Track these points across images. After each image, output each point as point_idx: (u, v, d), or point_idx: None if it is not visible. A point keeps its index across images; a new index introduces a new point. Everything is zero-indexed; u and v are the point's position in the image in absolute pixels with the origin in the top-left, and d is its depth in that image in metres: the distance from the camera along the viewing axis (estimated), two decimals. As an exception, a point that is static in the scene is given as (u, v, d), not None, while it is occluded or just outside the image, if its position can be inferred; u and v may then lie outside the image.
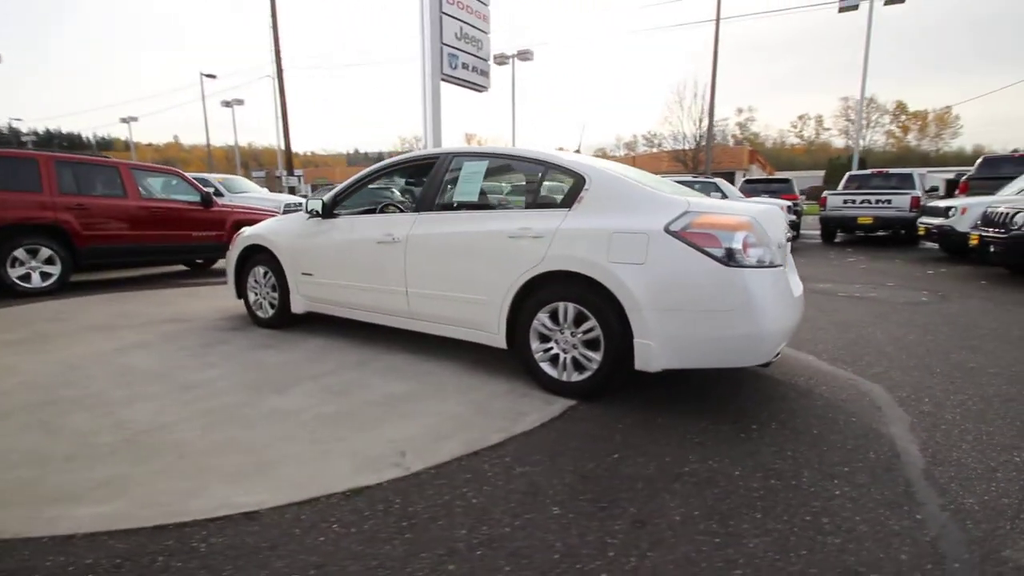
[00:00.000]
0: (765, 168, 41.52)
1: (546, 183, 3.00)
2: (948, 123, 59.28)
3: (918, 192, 10.21)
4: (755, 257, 2.36)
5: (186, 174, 7.15)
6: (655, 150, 37.41)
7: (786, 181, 13.16)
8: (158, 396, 2.67)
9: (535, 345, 2.77)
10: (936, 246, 8.83)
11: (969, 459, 2.09)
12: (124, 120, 38.50)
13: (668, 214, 2.46)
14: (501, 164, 3.31)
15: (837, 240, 11.46)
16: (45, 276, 5.41)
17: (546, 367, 2.75)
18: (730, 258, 2.32)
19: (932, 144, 60.49)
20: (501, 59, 24.76)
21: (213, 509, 1.69)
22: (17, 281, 5.22)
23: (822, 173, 42.24)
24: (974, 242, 6.55)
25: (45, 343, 3.63)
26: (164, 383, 2.86)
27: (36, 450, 2.09)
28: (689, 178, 10.72)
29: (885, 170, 11.91)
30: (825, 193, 11.14)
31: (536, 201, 3.01)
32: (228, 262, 4.34)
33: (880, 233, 10.92)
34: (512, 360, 3.05)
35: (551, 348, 2.73)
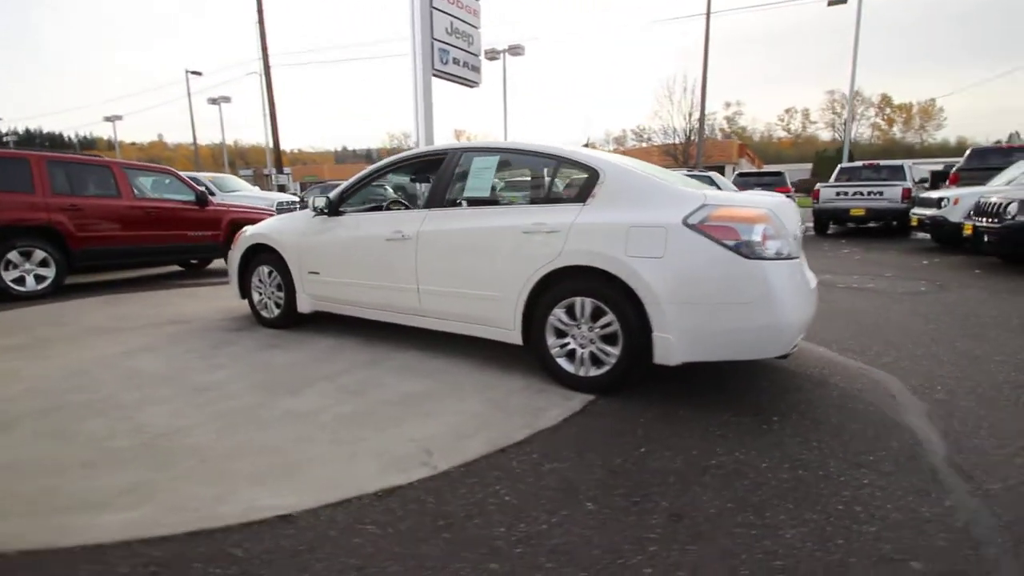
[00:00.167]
0: (754, 162, 41.82)
1: (559, 177, 2.99)
2: (932, 115, 60.24)
3: (909, 184, 10.34)
4: (774, 249, 2.37)
5: (180, 173, 7.03)
6: (645, 144, 37.50)
7: (779, 174, 13.25)
8: (170, 399, 2.63)
9: (551, 340, 2.76)
10: (928, 236, 8.95)
11: (988, 445, 2.12)
12: (108, 119, 37.78)
13: (685, 207, 2.45)
14: (512, 159, 3.28)
15: (830, 232, 11.59)
16: (39, 279, 5.30)
17: (563, 362, 2.74)
18: (750, 250, 2.33)
19: (917, 136, 61.39)
20: (492, 54, 24.64)
21: (244, 513, 1.66)
22: (11, 284, 5.11)
23: (809, 166, 42.67)
24: (968, 232, 6.65)
25: (47, 348, 3.55)
26: (174, 386, 2.81)
27: (52, 458, 2.04)
28: (683, 172, 10.74)
29: (876, 162, 12.03)
30: (818, 185, 11.24)
31: (549, 196, 2.99)
32: (231, 262, 4.27)
33: (872, 224, 11.05)
34: (524, 356, 3.04)
35: (568, 343, 2.72)
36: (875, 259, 7.66)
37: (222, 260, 7.10)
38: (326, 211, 3.64)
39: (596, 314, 2.61)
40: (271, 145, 21.86)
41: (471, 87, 8.78)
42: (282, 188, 20.32)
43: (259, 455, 2.07)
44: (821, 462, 2.00)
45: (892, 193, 10.17)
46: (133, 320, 4.33)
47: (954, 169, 10.75)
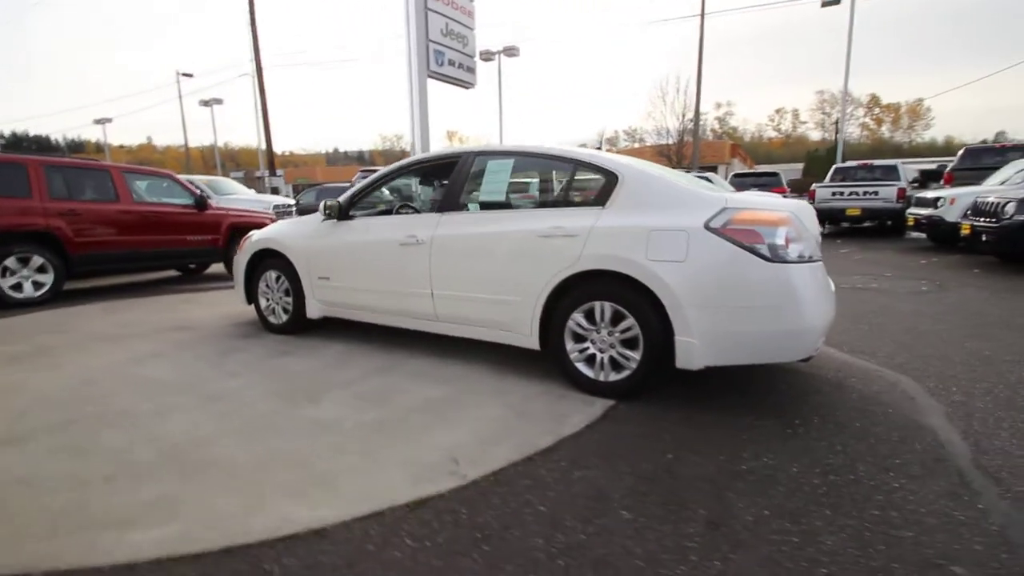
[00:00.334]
0: (746, 162, 42.10)
1: (576, 181, 2.97)
2: (920, 115, 60.94)
3: (903, 183, 10.46)
4: (796, 252, 2.37)
5: (179, 176, 6.94)
6: (637, 145, 37.66)
7: (775, 175, 13.36)
8: (186, 408, 2.58)
9: (570, 345, 2.75)
10: (923, 236, 9.05)
11: (1011, 446, 2.13)
12: (98, 121, 37.24)
13: (707, 211, 2.45)
14: (527, 162, 3.27)
15: (825, 232, 11.67)
16: (37, 285, 5.20)
17: (582, 367, 2.73)
18: (773, 254, 2.33)
19: (905, 136, 62.12)
20: (487, 55, 24.60)
21: (277, 527, 1.63)
22: (9, 291, 5.01)
23: (800, 166, 42.98)
24: (966, 231, 6.72)
25: (51, 357, 3.48)
26: (189, 394, 2.76)
27: (72, 473, 1.99)
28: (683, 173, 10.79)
29: (870, 162, 12.16)
30: (814, 186, 11.34)
31: (566, 199, 2.98)
32: (237, 267, 4.22)
33: (867, 224, 11.16)
34: (541, 361, 3.02)
35: (587, 348, 2.71)
36: (873, 259, 7.74)
37: (220, 265, 7.04)
38: (336, 215, 3.60)
39: (616, 318, 2.60)
40: (263, 147, 21.70)
41: (466, 88, 8.76)
42: (275, 190, 20.18)
43: (284, 465, 2.04)
44: (850, 466, 2.00)
45: (887, 193, 10.28)
46: (137, 326, 4.26)
47: (948, 169, 10.88)
